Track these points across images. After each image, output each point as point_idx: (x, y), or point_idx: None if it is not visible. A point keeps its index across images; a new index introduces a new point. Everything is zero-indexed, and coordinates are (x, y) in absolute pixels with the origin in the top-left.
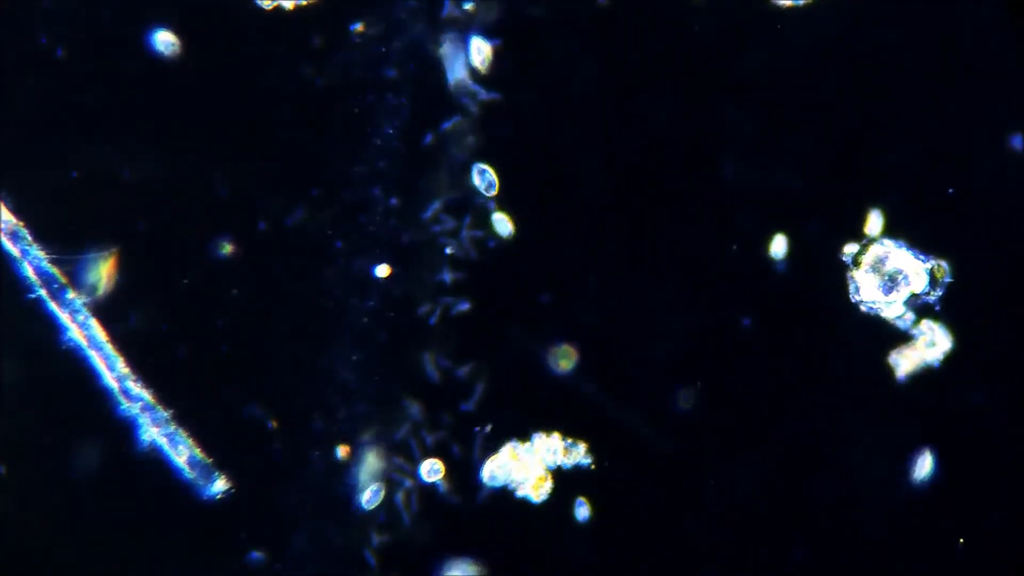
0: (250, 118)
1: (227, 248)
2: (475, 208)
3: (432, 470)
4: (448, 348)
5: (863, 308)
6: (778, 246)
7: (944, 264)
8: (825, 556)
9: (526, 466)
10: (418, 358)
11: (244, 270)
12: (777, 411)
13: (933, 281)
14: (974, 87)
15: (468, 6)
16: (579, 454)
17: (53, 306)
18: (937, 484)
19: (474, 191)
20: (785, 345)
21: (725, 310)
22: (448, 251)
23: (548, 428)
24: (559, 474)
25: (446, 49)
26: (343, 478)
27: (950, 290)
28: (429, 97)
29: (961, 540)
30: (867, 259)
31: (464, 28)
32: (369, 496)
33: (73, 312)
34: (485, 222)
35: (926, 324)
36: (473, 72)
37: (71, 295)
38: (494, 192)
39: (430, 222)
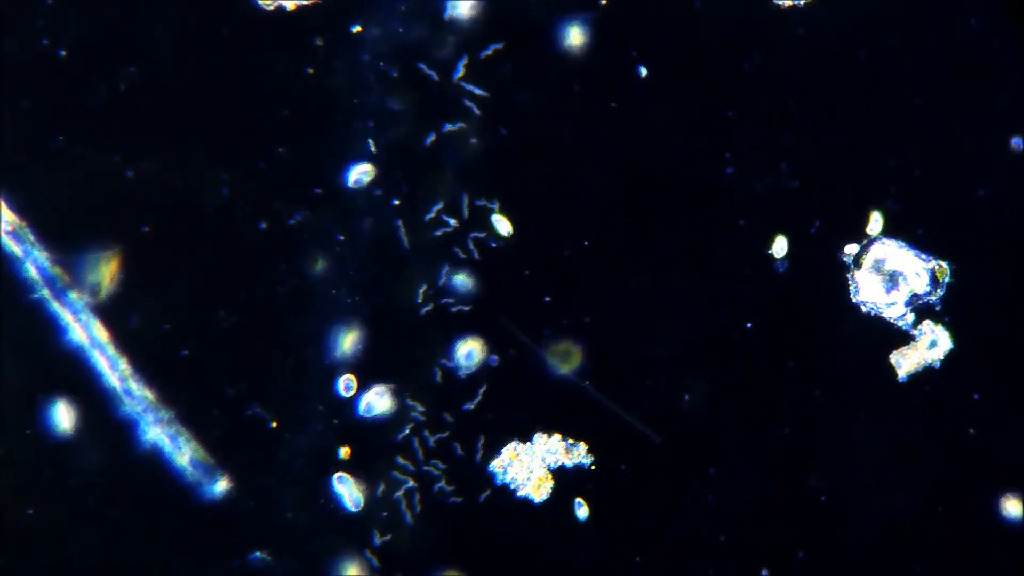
0: (251, 118)
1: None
2: (475, 209)
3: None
4: (449, 349)
5: (863, 308)
6: (778, 246)
7: (945, 264)
8: (825, 556)
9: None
10: (419, 358)
11: (245, 270)
12: (777, 411)
13: (934, 281)
14: (974, 87)
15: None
16: (579, 454)
17: (55, 307)
18: (937, 484)
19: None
20: (785, 345)
21: (725, 310)
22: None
23: (548, 428)
24: (559, 474)
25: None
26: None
27: (951, 290)
28: (429, 97)
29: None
30: (867, 259)
31: None
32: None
33: (75, 312)
34: (485, 222)
35: (927, 324)
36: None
37: (73, 296)
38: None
39: (431, 223)
